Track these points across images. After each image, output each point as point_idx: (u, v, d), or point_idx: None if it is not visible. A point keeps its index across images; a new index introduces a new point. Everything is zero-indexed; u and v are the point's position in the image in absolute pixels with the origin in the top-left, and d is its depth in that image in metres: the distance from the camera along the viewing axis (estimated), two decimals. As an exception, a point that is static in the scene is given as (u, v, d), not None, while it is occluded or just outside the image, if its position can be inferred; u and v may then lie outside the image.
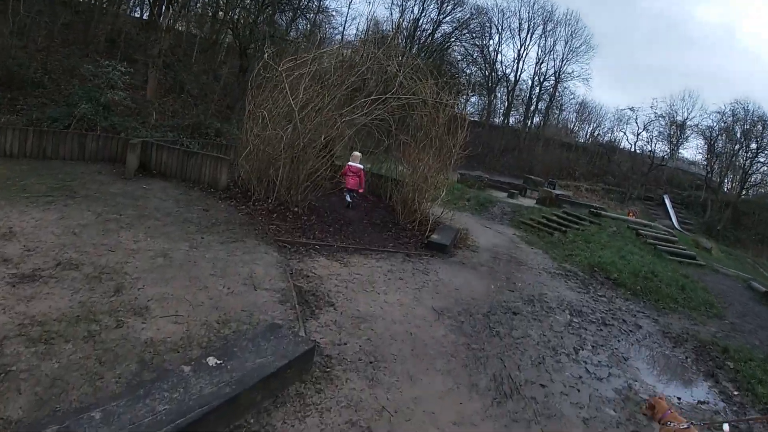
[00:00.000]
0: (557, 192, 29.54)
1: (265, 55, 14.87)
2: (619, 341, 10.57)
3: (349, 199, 16.21)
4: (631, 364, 9.55)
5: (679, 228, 38.99)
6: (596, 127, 55.77)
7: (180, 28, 30.50)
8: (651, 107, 48.25)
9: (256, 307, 8.02)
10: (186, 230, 11.13)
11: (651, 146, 48.06)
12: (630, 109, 47.59)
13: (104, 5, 29.74)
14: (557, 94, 49.65)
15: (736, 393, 9.38)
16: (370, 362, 7.29)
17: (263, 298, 8.41)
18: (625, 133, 51.58)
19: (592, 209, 24.73)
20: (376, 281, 10.44)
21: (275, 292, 8.70)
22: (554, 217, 22.96)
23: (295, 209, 13.77)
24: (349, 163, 16.23)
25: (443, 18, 43.64)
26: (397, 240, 13.90)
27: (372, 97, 14.76)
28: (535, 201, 29.02)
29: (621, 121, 53.34)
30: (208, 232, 11.26)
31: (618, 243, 20.46)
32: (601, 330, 10.91)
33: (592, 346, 9.87)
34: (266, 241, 11.33)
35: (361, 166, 16.52)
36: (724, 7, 75.90)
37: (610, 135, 52.93)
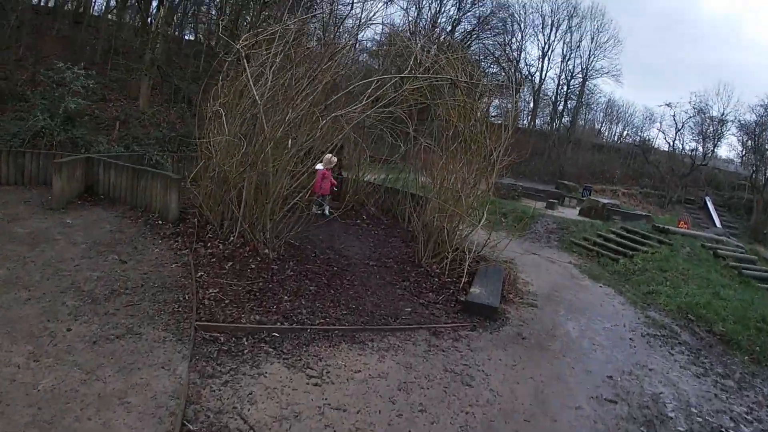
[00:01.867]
0: (605, 200, 23.52)
1: (219, 29, 9.38)
2: None
3: (325, 210, 12.09)
4: None
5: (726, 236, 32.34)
6: (625, 126, 49.01)
7: (176, 33, 25.48)
8: (689, 102, 41.12)
9: None
10: (55, 311, 6.01)
11: (691, 144, 41.22)
12: (667, 104, 40.82)
13: (99, 15, 24.95)
14: (585, 92, 43.22)
15: None
16: None
17: None
18: (661, 131, 44.56)
19: (656, 225, 18.70)
20: (375, 426, 4.87)
21: None
22: (612, 236, 17.06)
23: (265, 252, 8.36)
24: (317, 167, 11.05)
25: (462, 15, 37.77)
26: (417, 296, 8.33)
27: (379, 76, 9.21)
28: (578, 211, 23.04)
29: (651, 119, 46.61)
30: (90, 315, 6.05)
31: (699, 270, 14.48)
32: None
33: None
34: (181, 331, 5.93)
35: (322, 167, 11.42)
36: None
37: (640, 134, 46.18)
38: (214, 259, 8.21)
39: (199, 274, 7.51)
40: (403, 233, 11.92)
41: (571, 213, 22.63)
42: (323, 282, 7.87)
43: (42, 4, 23.23)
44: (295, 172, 8.35)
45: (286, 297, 7.07)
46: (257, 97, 7.99)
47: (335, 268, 8.53)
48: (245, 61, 8.51)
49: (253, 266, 7.96)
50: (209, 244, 8.80)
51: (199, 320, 6.15)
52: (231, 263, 8.06)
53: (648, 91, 66.17)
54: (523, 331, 8.07)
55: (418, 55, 9.30)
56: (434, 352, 6.61)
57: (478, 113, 9.53)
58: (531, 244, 15.72)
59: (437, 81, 9.37)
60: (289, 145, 7.70)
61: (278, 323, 6.35)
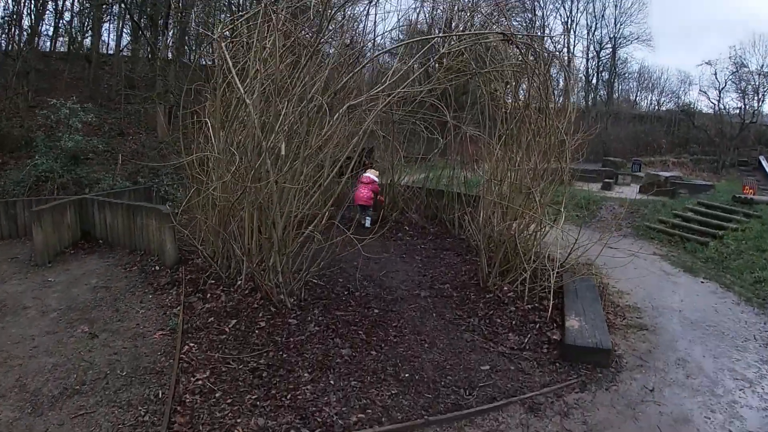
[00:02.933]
0: (666, 174, 20.12)
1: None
2: None
3: (365, 221, 10.06)
4: None
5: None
6: (660, 93, 44.39)
7: (190, 59, 23.58)
8: (729, 57, 36.43)
9: None
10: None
11: (736, 103, 36.58)
12: (707, 63, 36.05)
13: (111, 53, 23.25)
14: (617, 61, 39.12)
15: None
16: None
17: None
18: (703, 91, 39.79)
19: (736, 195, 15.33)
20: None
21: None
22: (690, 214, 13.90)
23: (280, 299, 5.90)
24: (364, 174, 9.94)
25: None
26: (493, 341, 5.63)
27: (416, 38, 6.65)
28: (637, 189, 19.75)
29: (688, 82, 42.04)
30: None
31: (802, 246, 11.35)
32: None
33: None
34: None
35: (376, 178, 10.06)
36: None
37: (678, 100, 41.63)
38: (212, 318, 5.81)
39: (187, 347, 5.09)
40: (455, 243, 9.27)
41: (630, 192, 19.34)
42: (360, 338, 5.32)
43: (53, 49, 21.64)
44: (316, 184, 5.84)
45: (306, 374, 4.56)
46: (242, 93, 5.53)
47: (376, 311, 5.96)
48: (225, 53, 6.07)
49: (263, 323, 5.52)
50: (209, 295, 6.42)
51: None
52: (235, 321, 5.65)
53: (681, 53, 60.38)
54: (647, 378, 5.28)
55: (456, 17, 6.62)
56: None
57: (542, 83, 6.76)
58: (602, 234, 12.71)
59: (485, 41, 6.67)
60: (282, 151, 5.16)
61: (292, 430, 3.83)
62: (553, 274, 6.28)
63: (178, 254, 7.84)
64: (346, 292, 6.41)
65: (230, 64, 5.71)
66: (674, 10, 52.63)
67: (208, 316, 5.94)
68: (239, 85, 5.64)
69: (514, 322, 5.84)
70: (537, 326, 5.81)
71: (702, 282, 9.53)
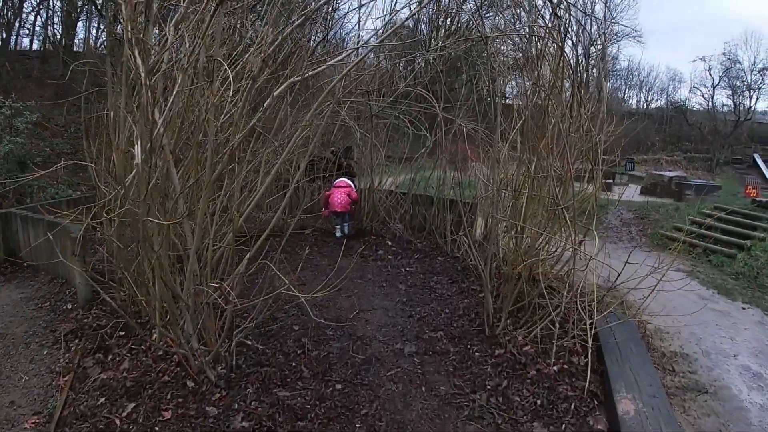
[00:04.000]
0: (671, 174, 18.39)
1: None
2: None
3: (340, 232, 8.50)
4: None
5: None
6: (649, 90, 42.79)
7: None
8: (723, 53, 34.89)
9: None
10: None
11: (729, 100, 35.05)
12: (700, 59, 34.37)
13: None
14: (607, 59, 37.53)
15: None
16: None
17: None
18: (696, 87, 38.11)
19: (756, 200, 13.70)
20: None
21: None
22: (708, 221, 12.22)
23: (200, 368, 3.95)
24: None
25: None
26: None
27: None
28: (639, 190, 18.09)
29: (678, 79, 40.59)
30: None
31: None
32: None
33: None
34: None
35: (351, 183, 8.41)
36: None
37: (668, 97, 40.09)
38: (104, 399, 3.85)
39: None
40: (447, 264, 7.35)
41: (630, 193, 17.60)
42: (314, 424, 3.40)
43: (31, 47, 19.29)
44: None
45: None
46: (140, 66, 3.55)
47: (339, 387, 4.01)
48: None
49: (168, 412, 3.57)
50: (111, 356, 4.46)
51: None
52: (133, 407, 3.70)
53: (668, 51, 58.85)
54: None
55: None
56: None
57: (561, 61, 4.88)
58: (613, 245, 10.93)
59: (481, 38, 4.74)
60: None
61: None
62: (588, 318, 4.39)
63: (91, 289, 5.83)
64: (299, 351, 4.46)
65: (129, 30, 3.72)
66: (661, 8, 51.13)
67: (99, 394, 3.97)
68: (137, 57, 3.66)
69: (539, 402, 3.94)
70: (572, 406, 3.92)
71: (743, 308, 7.81)
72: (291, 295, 3.67)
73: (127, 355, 4.44)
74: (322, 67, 3.54)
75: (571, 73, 4.75)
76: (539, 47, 4.79)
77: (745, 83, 34.69)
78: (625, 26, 33.66)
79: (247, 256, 3.63)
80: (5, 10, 16.65)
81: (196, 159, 3.60)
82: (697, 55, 44.17)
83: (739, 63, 33.98)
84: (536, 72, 4.79)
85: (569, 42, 4.67)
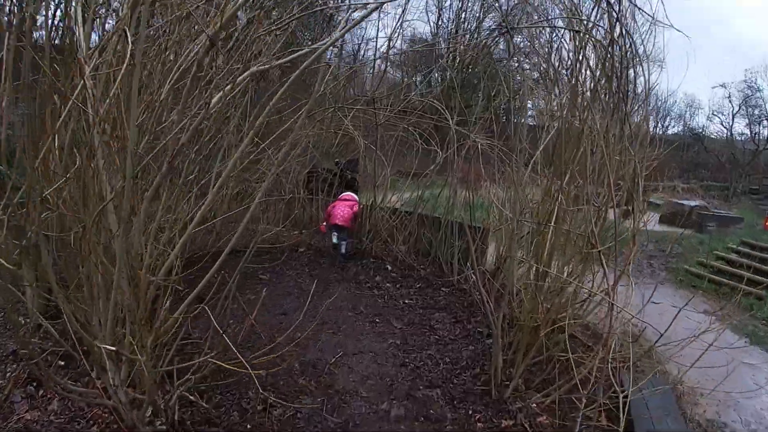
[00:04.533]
0: (692, 203, 17.35)
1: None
2: None
3: (341, 248, 7.49)
4: None
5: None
6: (666, 116, 41.65)
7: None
8: (744, 80, 33.73)
9: None
10: None
11: (747, 128, 33.82)
12: (721, 86, 33.35)
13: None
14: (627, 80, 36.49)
15: None
16: None
17: None
18: (715, 114, 36.88)
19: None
20: None
21: None
22: (735, 256, 11.31)
23: (133, 421, 3.08)
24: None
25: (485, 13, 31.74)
26: None
27: None
28: (657, 218, 17.05)
29: (696, 106, 39.35)
30: None
31: None
32: None
33: None
34: None
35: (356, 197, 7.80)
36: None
37: (685, 123, 38.91)
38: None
39: None
40: (452, 297, 6.45)
41: (649, 222, 16.60)
42: None
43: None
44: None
45: None
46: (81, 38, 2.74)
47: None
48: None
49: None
50: (42, 392, 3.64)
51: None
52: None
53: (689, 82, 57.87)
54: None
55: None
56: None
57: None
58: (633, 278, 9.92)
59: None
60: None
61: None
62: (621, 388, 3.48)
63: (43, 305, 5.01)
64: (260, 407, 3.58)
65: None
66: (678, 34, 50.02)
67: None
68: (80, 29, 2.86)
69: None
70: None
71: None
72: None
73: (59, 393, 3.60)
74: (303, 51, 2.70)
75: (616, 79, 3.88)
76: (577, 44, 3.94)
77: (764, 112, 33.56)
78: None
79: (188, 300, 2.77)
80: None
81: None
82: (717, 82, 42.96)
83: (760, 91, 32.85)
84: (574, 75, 3.93)
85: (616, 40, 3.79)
